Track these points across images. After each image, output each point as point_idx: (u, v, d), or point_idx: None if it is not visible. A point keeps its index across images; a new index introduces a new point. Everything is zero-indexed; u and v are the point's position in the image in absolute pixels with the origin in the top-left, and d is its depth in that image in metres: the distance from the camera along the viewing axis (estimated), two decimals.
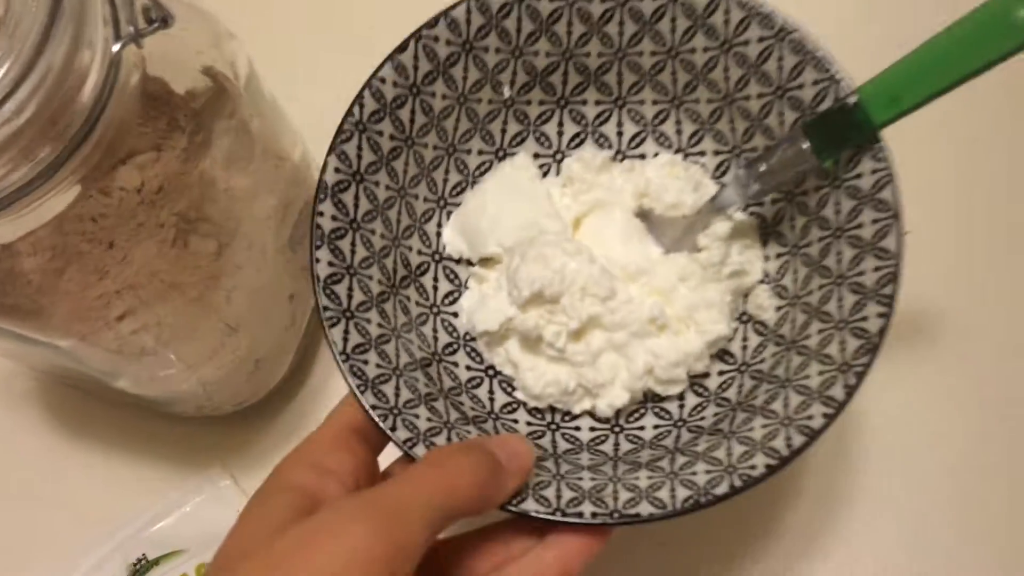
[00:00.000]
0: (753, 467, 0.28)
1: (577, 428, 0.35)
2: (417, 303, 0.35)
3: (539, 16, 0.34)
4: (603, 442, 0.34)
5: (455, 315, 0.36)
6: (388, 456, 0.30)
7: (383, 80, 0.33)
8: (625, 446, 0.33)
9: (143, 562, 0.40)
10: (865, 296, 0.30)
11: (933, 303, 0.43)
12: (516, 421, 0.34)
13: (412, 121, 0.34)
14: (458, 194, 0.37)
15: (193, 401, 0.41)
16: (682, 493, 0.28)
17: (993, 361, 0.42)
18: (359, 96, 0.32)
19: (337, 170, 0.32)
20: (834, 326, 0.31)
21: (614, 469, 0.31)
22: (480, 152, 0.37)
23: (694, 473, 0.29)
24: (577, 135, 0.38)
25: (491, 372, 0.36)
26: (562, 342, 0.33)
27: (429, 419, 0.30)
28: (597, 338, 0.34)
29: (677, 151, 0.38)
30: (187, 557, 0.40)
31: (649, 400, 0.35)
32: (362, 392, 0.29)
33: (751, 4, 0.32)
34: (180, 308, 0.34)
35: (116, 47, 0.27)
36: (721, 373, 0.35)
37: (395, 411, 0.29)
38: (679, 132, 0.38)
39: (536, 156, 0.38)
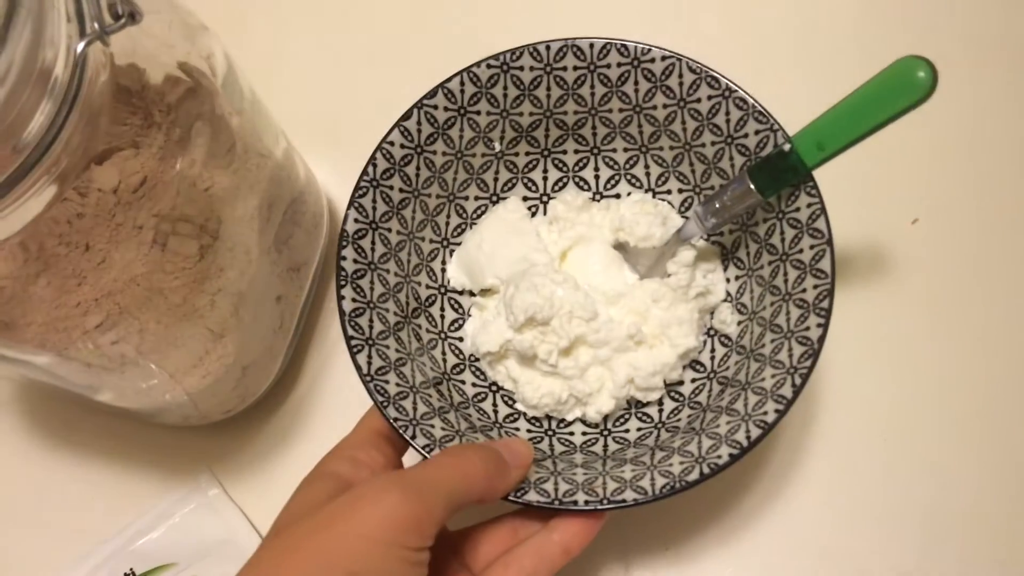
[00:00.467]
0: (719, 456, 0.33)
1: (571, 433, 0.40)
2: (428, 330, 0.40)
3: (522, 83, 0.40)
4: (594, 444, 0.39)
5: (460, 339, 0.42)
6: (408, 460, 0.35)
7: (392, 143, 0.39)
8: (613, 446, 0.39)
9: None
10: (807, 310, 0.36)
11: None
12: (517, 429, 0.40)
13: (418, 175, 0.40)
14: (459, 235, 0.43)
15: (179, 411, 0.40)
16: (660, 481, 0.33)
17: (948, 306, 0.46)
18: (372, 157, 0.38)
19: (356, 220, 0.37)
20: (783, 336, 0.36)
21: (603, 465, 0.36)
22: (476, 198, 0.43)
23: (670, 465, 0.34)
24: (560, 180, 0.44)
25: (494, 388, 0.41)
26: (554, 358, 0.38)
27: (443, 428, 0.35)
28: (584, 354, 0.39)
29: (647, 191, 0.44)
30: (177, 570, 0.40)
31: (633, 406, 0.40)
32: (385, 407, 0.34)
33: (700, 69, 0.38)
34: (162, 315, 0.32)
35: (81, 45, 0.26)
36: (693, 380, 0.40)
37: (414, 422, 0.35)
38: (648, 174, 0.43)
39: (525, 199, 0.44)
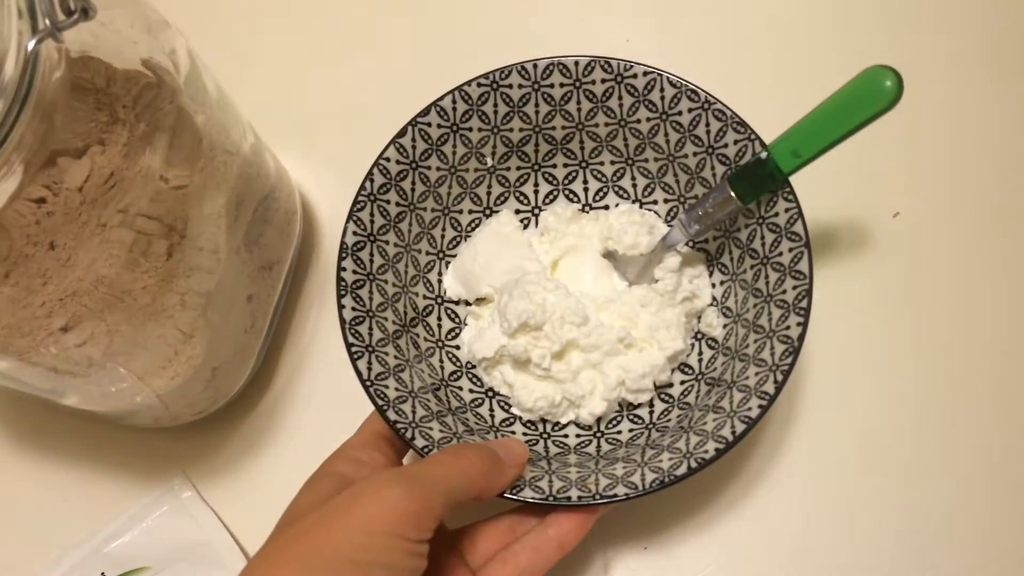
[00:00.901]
0: (706, 452, 0.35)
1: (565, 435, 0.41)
2: (425, 339, 0.42)
3: (511, 100, 0.42)
4: (587, 445, 0.40)
5: (457, 347, 0.43)
6: (408, 461, 0.37)
7: (388, 159, 0.40)
8: (605, 447, 0.40)
9: None
10: (787, 310, 0.37)
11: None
12: (513, 432, 0.41)
13: (413, 190, 0.42)
14: (454, 247, 0.45)
15: (148, 413, 0.39)
16: (650, 477, 0.35)
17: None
18: (369, 173, 0.40)
19: (355, 233, 0.39)
20: (765, 335, 0.38)
21: (596, 464, 0.38)
22: (470, 211, 0.45)
23: (660, 461, 0.36)
24: (551, 192, 0.46)
25: (490, 393, 0.42)
26: (547, 362, 0.40)
27: (441, 431, 0.37)
28: (576, 358, 0.40)
29: (634, 201, 0.45)
30: (150, 574, 0.39)
31: (625, 408, 0.42)
32: (385, 410, 0.36)
33: (680, 83, 0.40)
34: (130, 315, 0.32)
35: (32, 42, 0.26)
36: (682, 382, 0.42)
37: (413, 424, 0.36)
38: (634, 186, 0.45)
39: (517, 212, 0.46)
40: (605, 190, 0.46)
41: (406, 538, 0.28)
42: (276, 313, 0.45)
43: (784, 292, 0.38)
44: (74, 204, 0.29)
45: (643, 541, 0.42)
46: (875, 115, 0.35)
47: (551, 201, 0.46)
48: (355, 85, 0.53)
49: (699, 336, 0.43)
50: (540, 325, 0.40)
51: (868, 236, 0.48)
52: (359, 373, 0.36)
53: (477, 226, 0.45)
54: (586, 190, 0.46)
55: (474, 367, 0.43)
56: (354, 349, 0.37)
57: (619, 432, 0.41)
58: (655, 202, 0.45)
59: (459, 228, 0.45)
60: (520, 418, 0.42)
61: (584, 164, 0.45)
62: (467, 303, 0.44)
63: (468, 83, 0.41)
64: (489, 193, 0.45)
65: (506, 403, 0.42)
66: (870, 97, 0.35)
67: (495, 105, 0.42)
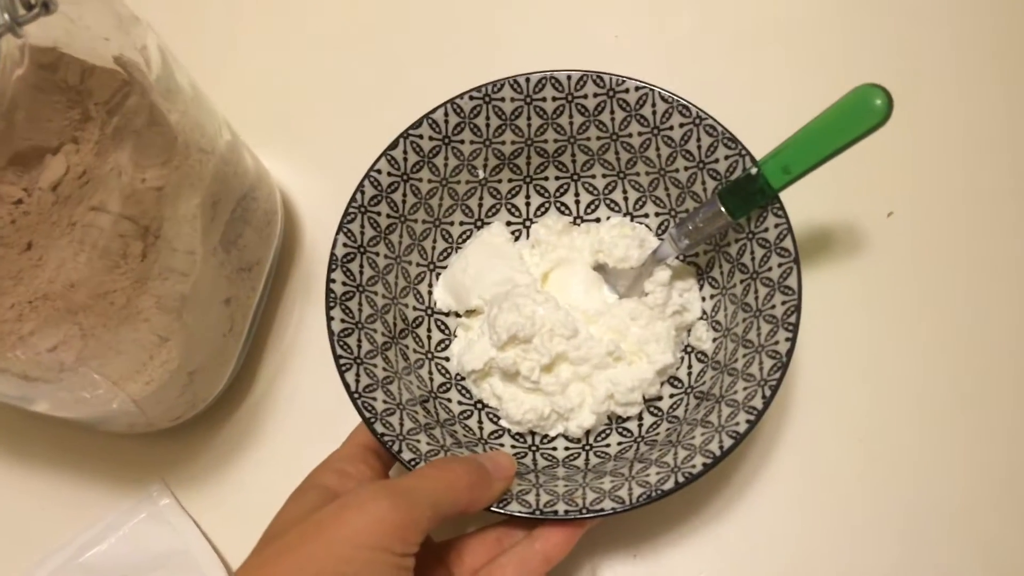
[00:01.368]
0: (693, 466, 0.35)
1: (554, 448, 0.41)
2: (415, 350, 0.42)
3: (503, 113, 0.42)
4: (576, 458, 0.40)
5: (447, 359, 0.43)
6: (395, 474, 0.37)
7: (379, 171, 0.40)
8: (594, 460, 0.40)
9: None
10: (776, 325, 0.37)
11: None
12: (502, 445, 0.41)
13: (404, 202, 0.42)
14: (445, 258, 0.45)
15: (124, 419, 0.39)
16: (637, 491, 0.35)
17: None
18: (360, 185, 0.40)
19: (345, 244, 0.39)
20: (754, 350, 0.38)
21: (584, 478, 0.37)
22: (462, 223, 0.45)
23: (648, 475, 0.36)
24: (542, 205, 0.46)
25: (479, 405, 0.42)
26: (536, 375, 0.40)
27: (429, 443, 0.37)
28: (565, 371, 0.40)
29: (625, 214, 0.46)
30: None
31: (614, 422, 0.42)
32: (372, 423, 0.36)
33: (671, 98, 0.40)
34: (103, 318, 0.31)
35: None
36: (671, 396, 0.42)
37: (400, 437, 0.36)
38: (626, 199, 0.45)
39: (508, 224, 0.46)
40: (596, 203, 0.46)
41: (392, 551, 0.28)
42: (256, 316, 0.45)
43: (773, 307, 0.38)
44: (47, 204, 0.28)
45: (632, 549, 0.41)
46: (865, 133, 0.35)
47: (543, 213, 0.46)
48: (338, 84, 0.53)
49: (689, 350, 0.43)
50: (529, 338, 0.40)
51: (861, 236, 0.47)
52: (347, 385, 0.36)
53: (468, 238, 0.45)
54: (577, 203, 0.46)
55: (463, 379, 0.43)
56: (342, 361, 0.37)
57: (608, 445, 0.41)
58: (646, 215, 0.45)
59: (450, 240, 0.45)
60: (509, 430, 0.42)
61: (576, 177, 0.45)
62: (457, 315, 0.44)
63: (460, 96, 0.41)
64: (480, 205, 0.45)
65: (495, 415, 0.42)
66: (860, 115, 0.35)
67: (487, 118, 0.42)
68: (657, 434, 0.40)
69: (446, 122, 0.41)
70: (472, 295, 0.43)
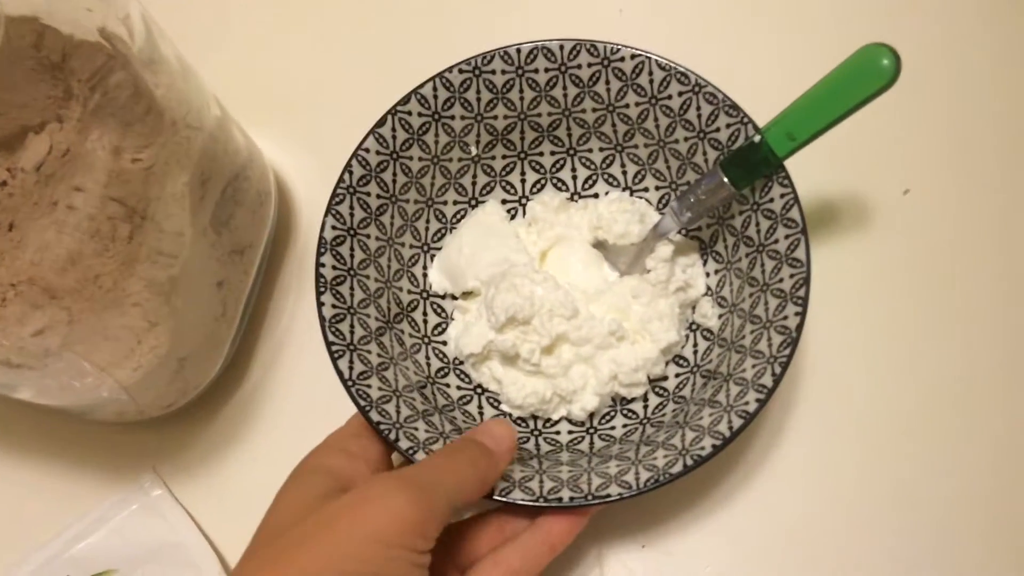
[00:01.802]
0: (702, 448, 0.34)
1: (557, 432, 0.40)
2: (410, 335, 0.41)
3: (495, 86, 0.40)
4: (580, 442, 0.39)
5: (444, 343, 0.42)
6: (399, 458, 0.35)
7: (367, 150, 0.39)
8: (599, 444, 0.39)
9: None
10: (784, 299, 0.36)
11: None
12: None
13: (394, 181, 0.40)
14: (439, 239, 0.43)
15: (113, 407, 0.38)
16: (644, 475, 0.33)
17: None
18: (348, 165, 0.38)
19: (334, 227, 0.38)
20: (762, 326, 0.36)
21: (589, 462, 0.36)
22: (455, 202, 0.43)
23: (655, 459, 0.34)
24: (538, 182, 0.44)
25: (479, 390, 0.41)
26: (536, 357, 0.39)
27: (427, 431, 0.35)
28: (566, 352, 0.39)
29: (624, 189, 0.44)
30: None
31: (618, 403, 0.40)
32: (367, 411, 0.34)
33: (669, 66, 0.39)
34: (89, 302, 0.31)
35: None
36: (677, 375, 0.40)
37: (397, 425, 0.35)
38: (624, 173, 0.44)
39: (504, 202, 0.44)
40: (594, 178, 0.44)
41: (412, 549, 0.27)
42: (250, 300, 0.43)
43: (781, 281, 0.36)
44: (30, 184, 0.28)
45: (640, 538, 0.40)
46: (872, 95, 0.33)
47: (539, 190, 0.44)
48: (334, 62, 0.51)
49: (694, 327, 0.41)
50: (528, 319, 0.38)
51: (875, 214, 0.46)
52: (340, 373, 0.35)
53: (462, 217, 0.44)
54: (575, 178, 0.44)
55: (462, 363, 0.41)
56: (335, 348, 0.36)
57: (612, 428, 0.40)
58: (646, 189, 0.44)
59: (444, 220, 0.43)
60: (510, 415, 0.40)
61: (572, 151, 0.44)
62: (453, 297, 0.43)
63: (449, 70, 0.39)
64: (474, 183, 0.44)
65: (495, 400, 0.41)
66: (867, 76, 0.33)
67: (478, 92, 0.40)
68: (663, 415, 0.39)
69: (435, 97, 0.40)
70: (468, 276, 0.41)
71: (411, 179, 0.41)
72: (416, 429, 0.35)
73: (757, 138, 0.36)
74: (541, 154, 0.44)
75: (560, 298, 0.39)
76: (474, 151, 0.42)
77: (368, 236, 0.39)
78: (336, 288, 0.37)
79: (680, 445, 0.34)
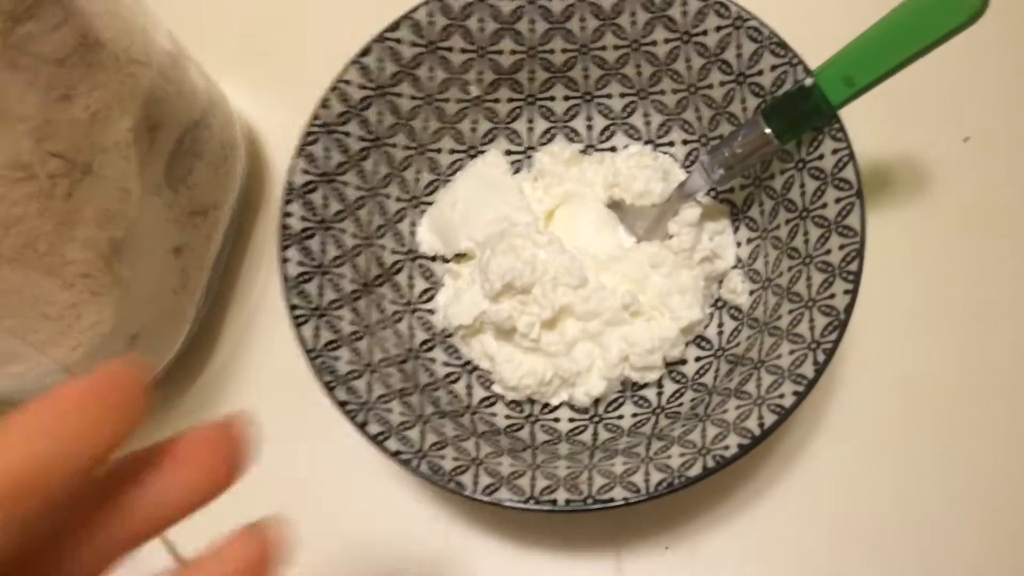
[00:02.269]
0: (726, 448, 0.28)
1: (556, 419, 0.35)
2: (392, 301, 0.35)
3: (501, 15, 0.34)
4: (582, 432, 0.34)
5: (431, 312, 0.37)
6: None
7: (348, 82, 0.33)
8: (604, 435, 0.34)
9: None
10: (832, 274, 0.30)
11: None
12: (495, 415, 0.34)
13: (380, 121, 0.35)
14: (431, 193, 0.38)
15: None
16: (656, 477, 0.28)
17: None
18: (324, 98, 0.33)
19: (305, 171, 0.32)
20: (803, 305, 0.31)
21: (591, 457, 0.31)
22: (451, 151, 0.38)
23: (668, 457, 0.29)
24: (547, 131, 0.39)
25: (469, 367, 0.36)
26: (536, 332, 0.33)
27: (402, 413, 0.30)
28: (571, 327, 0.34)
29: (647, 142, 0.38)
30: None
31: (628, 389, 0.35)
32: (333, 388, 0.29)
33: None
34: (20, 269, 0.27)
35: None
36: (698, 359, 0.35)
37: (367, 406, 0.30)
38: (647, 123, 0.38)
39: (508, 153, 0.39)
40: (612, 128, 0.38)
41: None
42: (217, 269, 0.38)
43: (828, 252, 0.31)
44: None
45: (663, 539, 0.35)
46: (953, 31, 0.28)
47: (548, 141, 0.39)
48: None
49: (720, 304, 0.36)
50: (528, 287, 0.33)
51: (930, 167, 0.40)
52: (302, 341, 0.30)
53: (459, 169, 0.38)
54: (590, 128, 0.39)
55: (450, 336, 0.36)
56: (298, 312, 0.30)
57: (620, 417, 0.34)
58: (671, 143, 0.38)
59: (438, 170, 0.38)
60: (503, 397, 0.35)
61: (588, 97, 0.38)
62: (444, 259, 0.37)
63: None
64: (474, 129, 0.38)
65: (487, 379, 0.35)
66: (948, 8, 0.28)
67: (481, 20, 0.34)
68: (680, 405, 0.33)
69: (431, 24, 0.34)
70: (462, 236, 0.36)
71: (400, 120, 0.35)
72: (389, 411, 0.30)
73: (808, 82, 0.30)
74: (552, 98, 0.38)
75: (566, 264, 0.33)
76: (475, 91, 0.37)
77: (346, 184, 0.34)
78: (304, 242, 0.32)
79: (699, 442, 0.29)
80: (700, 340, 0.35)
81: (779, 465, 0.36)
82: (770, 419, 0.28)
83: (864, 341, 0.37)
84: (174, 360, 0.37)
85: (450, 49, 0.35)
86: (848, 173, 0.30)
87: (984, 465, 0.35)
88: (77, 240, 0.29)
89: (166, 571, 0.19)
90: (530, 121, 0.39)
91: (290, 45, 0.44)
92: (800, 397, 0.28)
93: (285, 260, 0.31)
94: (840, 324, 0.29)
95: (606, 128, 0.39)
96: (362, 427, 0.29)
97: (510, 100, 0.38)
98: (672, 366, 0.35)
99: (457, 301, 0.35)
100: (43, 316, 0.30)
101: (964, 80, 0.41)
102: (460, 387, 0.35)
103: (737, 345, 0.34)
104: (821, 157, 0.31)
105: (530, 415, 0.35)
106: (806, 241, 0.32)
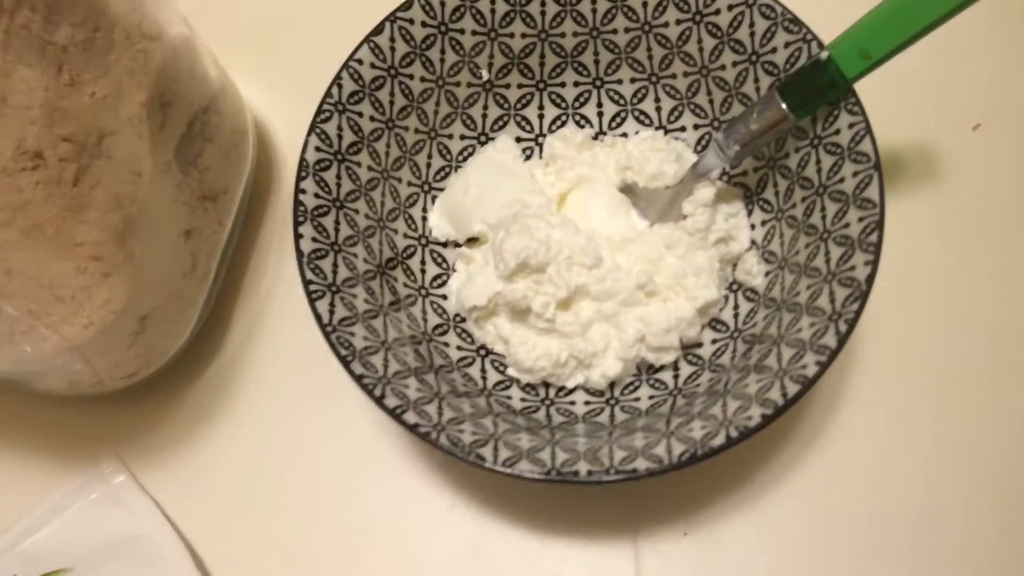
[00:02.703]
0: (749, 418, 0.28)
1: (572, 402, 0.34)
2: (405, 284, 0.35)
3: None
4: (598, 414, 0.33)
5: (444, 297, 0.36)
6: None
7: (360, 62, 0.33)
8: (620, 416, 0.33)
9: None
10: (851, 247, 0.30)
11: None
12: (510, 398, 0.34)
13: (392, 103, 0.34)
14: (441, 179, 0.38)
15: (63, 375, 0.34)
16: (678, 448, 0.28)
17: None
18: (337, 77, 0.33)
19: (318, 149, 0.32)
20: (822, 279, 0.30)
21: (610, 435, 0.30)
22: (462, 137, 0.38)
23: (690, 430, 0.29)
24: (558, 118, 0.39)
25: (482, 352, 0.35)
26: (551, 312, 0.33)
27: (419, 389, 0.30)
28: (586, 308, 0.33)
29: (658, 128, 0.38)
30: None
31: (643, 372, 0.35)
32: (349, 362, 0.29)
33: None
34: (29, 250, 0.28)
35: None
36: (714, 342, 0.35)
37: (384, 380, 0.29)
38: (658, 109, 0.38)
39: (518, 140, 0.39)
40: (623, 115, 0.38)
41: None
42: (226, 257, 0.38)
43: (847, 226, 0.30)
44: None
45: (681, 524, 0.34)
46: (968, 1, 0.28)
47: (558, 128, 0.39)
48: None
49: (734, 288, 0.35)
50: (543, 266, 0.33)
51: (942, 153, 0.40)
52: (318, 316, 0.29)
53: (469, 155, 0.38)
54: (600, 115, 0.39)
55: (463, 320, 0.36)
56: (313, 287, 0.30)
57: (637, 399, 0.34)
58: (682, 128, 0.38)
59: (448, 156, 0.38)
60: (517, 381, 0.34)
61: (599, 83, 0.38)
62: (456, 245, 0.37)
63: None
64: (485, 115, 0.38)
65: (501, 363, 0.35)
66: None
67: (492, 1, 0.35)
68: (697, 386, 0.33)
69: (442, 5, 0.34)
70: (474, 219, 0.36)
71: (411, 103, 0.35)
72: (406, 387, 0.30)
73: (823, 56, 0.30)
74: (563, 84, 0.38)
75: (581, 243, 0.33)
76: (486, 75, 0.37)
77: (359, 164, 0.33)
78: (318, 220, 0.31)
79: (721, 416, 0.29)
80: (716, 323, 0.35)
81: (797, 451, 0.35)
82: (793, 389, 0.28)
83: (884, 321, 0.37)
84: (183, 349, 0.37)
85: (461, 31, 0.35)
86: (865, 146, 0.30)
87: (1009, 440, 0.35)
88: (87, 222, 0.29)
89: None
90: (540, 108, 0.38)
91: (299, 41, 0.44)
92: (823, 367, 0.28)
93: (299, 236, 0.30)
94: (861, 294, 0.28)
95: (617, 115, 0.38)
96: (380, 400, 0.28)
97: (520, 86, 0.38)
98: (688, 349, 0.35)
99: (471, 283, 0.34)
100: (55, 298, 0.29)
101: (975, 62, 0.41)
102: (474, 371, 0.34)
103: (754, 325, 0.33)
104: (837, 132, 0.31)
105: (545, 398, 0.34)
106: (823, 217, 0.32)
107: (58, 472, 0.36)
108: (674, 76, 0.37)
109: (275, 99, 0.44)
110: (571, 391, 0.34)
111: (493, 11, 0.35)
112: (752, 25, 0.33)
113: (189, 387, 0.38)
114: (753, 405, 0.28)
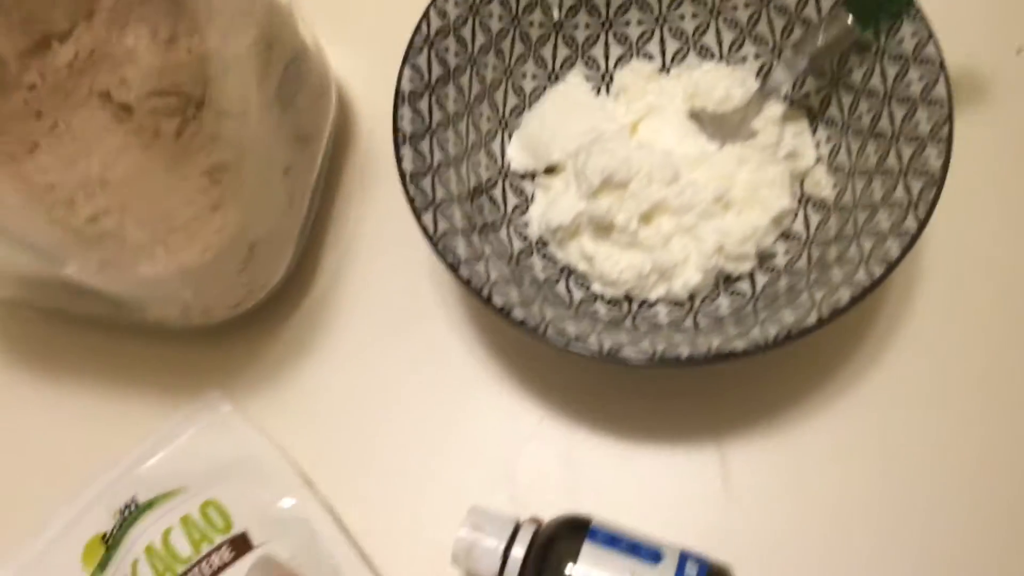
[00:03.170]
0: (838, 300, 0.29)
1: (655, 314, 0.36)
2: (490, 211, 0.37)
3: None
4: (682, 322, 0.35)
5: (525, 225, 0.38)
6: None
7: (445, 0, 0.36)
8: (704, 323, 0.35)
9: (133, 507, 0.34)
10: (921, 143, 0.32)
11: None
12: (596, 312, 0.36)
13: (473, 40, 0.37)
14: (517, 116, 0.40)
15: (176, 302, 0.35)
16: (772, 330, 0.29)
17: None
18: (425, 14, 0.35)
19: (411, 80, 0.34)
20: (896, 176, 0.32)
21: (698, 333, 0.32)
22: (534, 76, 0.40)
23: (780, 317, 0.30)
24: (623, 56, 0.41)
25: (566, 271, 0.37)
26: (634, 225, 0.35)
27: (518, 295, 0.32)
28: (666, 222, 0.35)
29: (719, 60, 0.40)
30: (187, 496, 0.34)
31: (720, 284, 0.36)
32: (457, 268, 0.31)
33: None
34: (144, 191, 0.30)
35: None
36: (787, 252, 0.36)
37: (489, 284, 0.31)
38: (720, 42, 0.40)
39: (586, 79, 0.41)
40: (685, 50, 0.40)
41: None
42: (315, 197, 0.40)
43: (917, 126, 0.32)
44: (61, 79, 0.26)
45: (761, 429, 0.36)
46: None
47: (623, 66, 0.41)
48: None
49: (804, 201, 0.37)
50: (625, 182, 0.35)
51: (983, 78, 0.41)
52: (424, 228, 0.32)
53: (541, 94, 0.40)
54: (663, 51, 0.41)
55: (546, 244, 0.38)
56: (417, 203, 0.32)
57: (717, 308, 0.36)
58: (744, 59, 0.40)
59: (522, 95, 0.40)
60: (602, 296, 0.36)
61: (661, 19, 0.40)
62: (532, 178, 0.39)
63: None
64: (554, 55, 0.40)
65: (584, 282, 0.37)
66: None
67: None
68: (776, 290, 0.35)
69: None
70: (553, 148, 0.38)
71: (490, 40, 0.37)
72: (508, 293, 0.31)
73: None
74: (627, 23, 0.40)
75: (659, 161, 0.35)
76: (556, 15, 0.39)
77: (447, 96, 0.36)
78: (416, 145, 0.33)
79: (808, 303, 0.30)
80: (787, 235, 0.37)
81: (870, 351, 0.37)
82: (879, 270, 0.29)
83: (939, 241, 0.38)
84: (279, 285, 0.39)
85: None
86: (930, 51, 0.32)
87: None
88: (196, 164, 0.31)
89: None
90: (606, 47, 0.41)
91: (378, 13, 0.46)
92: (906, 249, 0.29)
93: (401, 158, 0.33)
94: (937, 181, 0.30)
95: (679, 51, 0.40)
96: (488, 300, 0.30)
97: (587, 26, 0.40)
98: (763, 259, 0.36)
99: (554, 206, 0.36)
100: (172, 224, 0.31)
101: None
102: (561, 289, 0.36)
103: (827, 232, 0.35)
104: (901, 42, 0.33)
105: (629, 311, 0.36)
106: (891, 122, 0.33)
107: (168, 402, 0.38)
108: (735, 7, 0.39)
109: (353, 66, 0.45)
110: (654, 304, 0.36)
111: None
112: None
113: (285, 321, 0.40)
114: (842, 288, 0.30)
